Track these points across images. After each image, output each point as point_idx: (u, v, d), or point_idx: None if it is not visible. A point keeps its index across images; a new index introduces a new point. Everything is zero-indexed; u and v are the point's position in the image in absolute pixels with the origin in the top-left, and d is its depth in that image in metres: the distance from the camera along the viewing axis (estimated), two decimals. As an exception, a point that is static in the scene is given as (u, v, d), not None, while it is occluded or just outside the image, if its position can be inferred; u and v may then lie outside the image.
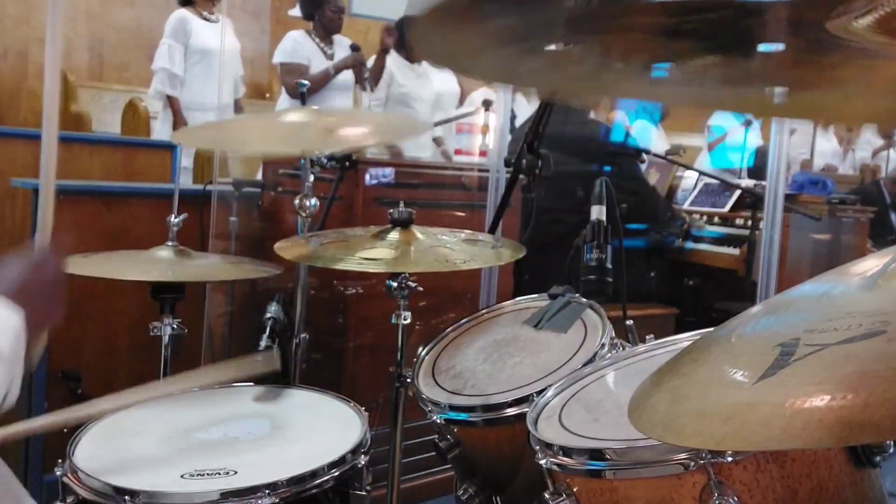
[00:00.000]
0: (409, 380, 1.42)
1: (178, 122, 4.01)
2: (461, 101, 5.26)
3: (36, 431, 1.15)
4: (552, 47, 0.50)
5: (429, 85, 4.58)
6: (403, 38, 4.49)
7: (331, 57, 4.04)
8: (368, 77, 4.22)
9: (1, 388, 0.85)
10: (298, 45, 3.96)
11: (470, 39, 0.48)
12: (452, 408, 1.26)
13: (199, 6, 4.09)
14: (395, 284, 1.46)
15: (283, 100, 4.11)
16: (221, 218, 2.44)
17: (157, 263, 1.62)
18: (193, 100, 4.06)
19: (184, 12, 4.07)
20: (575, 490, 0.96)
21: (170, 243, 1.67)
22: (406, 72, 4.48)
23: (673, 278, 3.48)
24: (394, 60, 4.45)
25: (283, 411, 1.35)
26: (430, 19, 0.43)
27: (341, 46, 4.08)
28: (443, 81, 4.77)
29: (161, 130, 4.12)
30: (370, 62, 4.35)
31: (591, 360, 1.24)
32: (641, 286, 3.18)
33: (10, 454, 2.17)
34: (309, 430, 1.28)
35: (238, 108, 4.33)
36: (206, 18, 4.10)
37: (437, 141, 4.98)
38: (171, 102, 4.02)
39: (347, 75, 4.08)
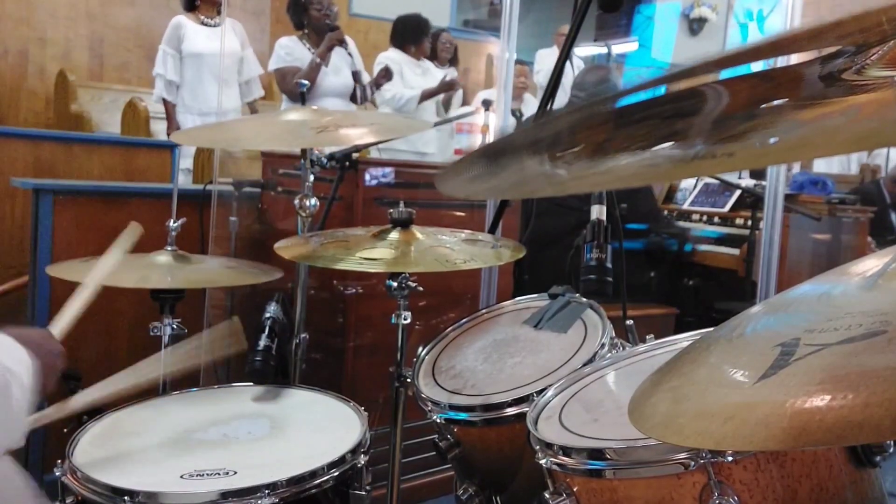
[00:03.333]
0: (409, 380, 1.42)
1: (171, 127, 4.07)
2: (465, 102, 5.27)
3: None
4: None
5: (431, 82, 4.58)
6: (409, 34, 4.51)
7: (325, 62, 4.02)
8: (371, 83, 4.21)
9: (26, 415, 0.88)
10: (290, 50, 3.95)
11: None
12: (452, 407, 1.26)
13: (200, 11, 4.10)
14: (395, 284, 1.46)
15: (284, 103, 4.10)
16: (221, 218, 2.44)
17: (157, 269, 1.62)
18: (189, 104, 4.09)
19: (181, 18, 4.08)
20: (575, 490, 0.96)
21: (169, 248, 1.67)
22: (413, 68, 4.48)
23: (673, 278, 3.48)
24: (400, 58, 4.46)
25: (282, 411, 1.35)
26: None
27: (337, 53, 4.05)
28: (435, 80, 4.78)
29: (161, 133, 4.22)
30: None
31: (591, 360, 1.24)
32: (641, 286, 3.18)
33: (10, 454, 2.17)
34: (309, 430, 1.28)
35: (253, 109, 4.33)
36: (203, 23, 4.09)
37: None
38: (166, 107, 4.09)
39: (346, 81, 4.04)
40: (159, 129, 4.37)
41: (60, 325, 1.18)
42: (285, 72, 3.92)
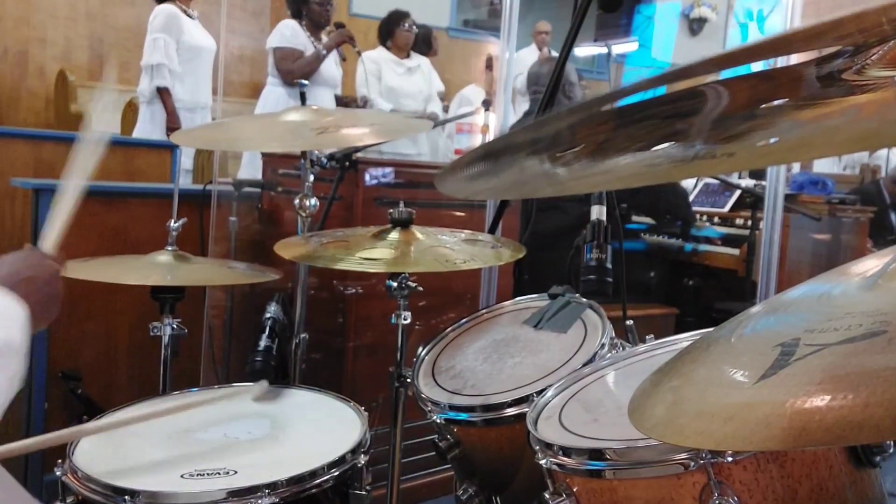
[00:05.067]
0: (408, 380, 1.42)
1: (173, 119, 3.90)
2: (447, 98, 5.23)
3: (36, 448, 1.14)
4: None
5: (420, 80, 4.54)
6: (382, 29, 4.48)
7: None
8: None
9: (17, 379, 0.84)
10: (296, 33, 3.90)
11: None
12: (452, 408, 1.26)
13: (181, 1, 4.00)
14: (395, 284, 1.46)
15: (272, 86, 3.99)
16: (221, 218, 2.44)
17: (157, 268, 1.62)
18: (184, 98, 3.98)
19: (171, 8, 3.95)
20: (575, 490, 0.96)
21: (169, 248, 1.67)
22: (394, 67, 4.45)
23: (673, 278, 3.48)
24: (381, 56, 4.43)
25: (283, 411, 1.35)
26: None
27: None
28: (429, 79, 4.74)
29: (148, 129, 3.96)
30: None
31: (591, 360, 1.24)
32: (641, 286, 3.18)
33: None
34: (309, 429, 1.28)
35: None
36: (189, 15, 4.03)
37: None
38: (165, 99, 3.90)
39: (334, 71, 4.05)
40: (147, 128, 4.23)
41: (49, 239, 1.10)
42: (286, 53, 3.87)
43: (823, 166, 6.09)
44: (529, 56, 6.32)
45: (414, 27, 4.49)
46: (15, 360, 0.84)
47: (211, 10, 4.28)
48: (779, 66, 0.60)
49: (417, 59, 4.58)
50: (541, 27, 6.34)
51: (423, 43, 4.76)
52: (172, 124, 3.88)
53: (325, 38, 4.08)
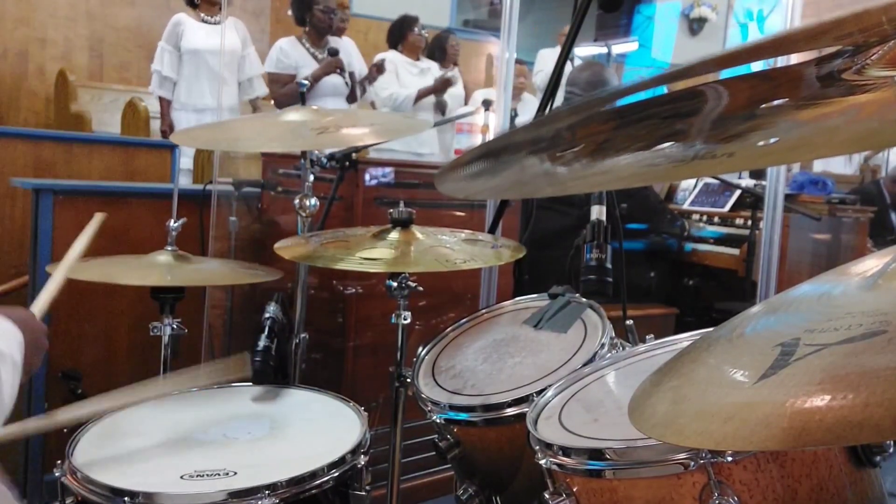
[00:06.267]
0: (408, 380, 1.42)
1: (164, 122, 4.11)
2: (466, 102, 5.25)
3: (32, 432, 1.16)
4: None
5: (431, 83, 4.56)
6: (394, 32, 4.52)
7: (321, 62, 4.03)
8: (364, 78, 4.23)
9: (14, 394, 0.86)
10: (283, 54, 3.97)
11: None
12: (452, 408, 1.26)
13: (201, 9, 4.13)
14: (395, 284, 1.46)
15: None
16: (221, 218, 2.44)
17: (156, 268, 1.62)
18: (185, 100, 4.12)
19: (181, 16, 4.11)
20: (575, 490, 0.96)
21: (169, 248, 1.67)
22: (409, 68, 4.47)
23: (673, 278, 3.48)
24: (396, 58, 4.45)
25: (282, 411, 1.35)
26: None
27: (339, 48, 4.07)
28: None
29: (158, 130, 4.25)
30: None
31: (591, 360, 1.24)
32: (641, 286, 3.18)
33: (10, 454, 2.17)
34: (309, 430, 1.28)
35: (255, 107, 4.36)
36: (204, 20, 4.11)
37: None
38: (161, 103, 4.14)
39: (337, 80, 4.07)
40: (157, 129, 4.40)
41: (39, 306, 1.18)
42: (276, 78, 3.97)
43: (838, 166, 6.06)
44: (552, 56, 6.34)
45: (423, 32, 4.55)
46: (15, 373, 0.87)
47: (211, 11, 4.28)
48: (779, 66, 0.60)
49: (427, 63, 4.61)
50: (566, 30, 6.36)
51: (438, 49, 4.79)
52: (163, 125, 4.13)
53: (330, 39, 4.10)
